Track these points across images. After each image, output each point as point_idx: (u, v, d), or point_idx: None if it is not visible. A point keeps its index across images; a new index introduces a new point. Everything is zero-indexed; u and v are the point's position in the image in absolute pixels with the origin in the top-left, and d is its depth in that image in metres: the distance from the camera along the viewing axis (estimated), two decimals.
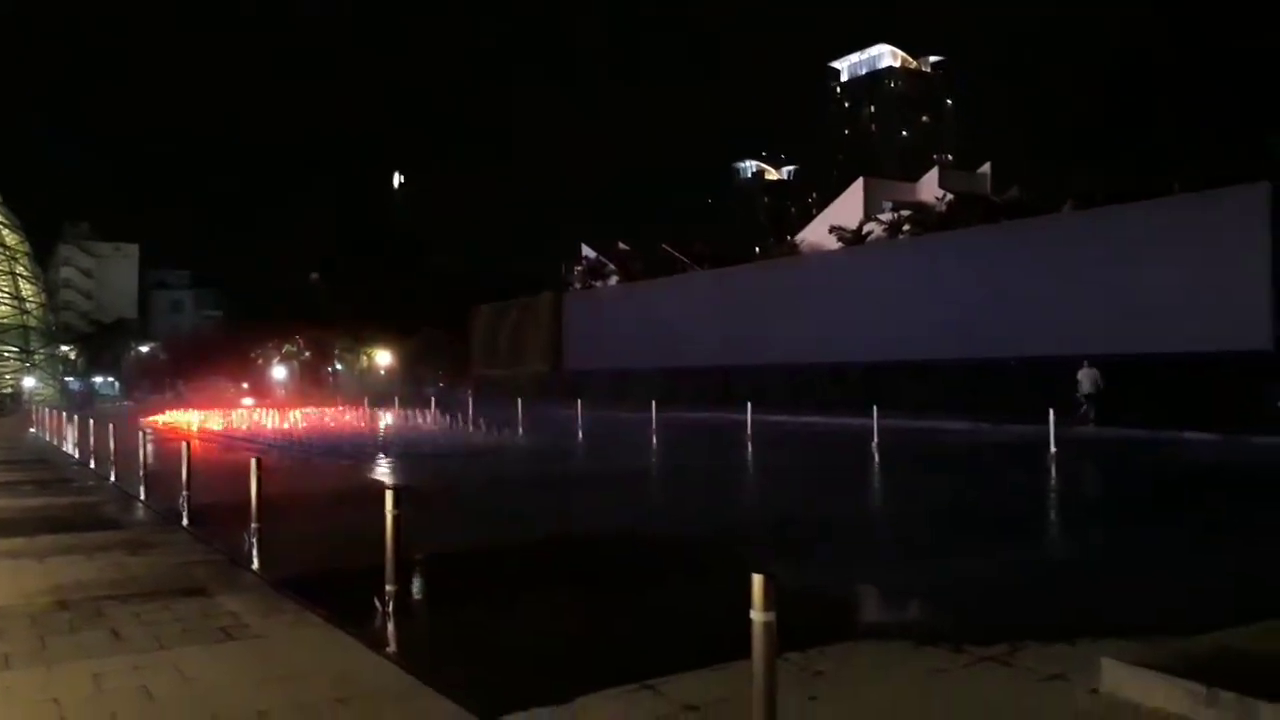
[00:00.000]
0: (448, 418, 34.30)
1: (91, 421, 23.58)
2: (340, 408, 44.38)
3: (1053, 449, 19.91)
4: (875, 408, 22.66)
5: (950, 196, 45.66)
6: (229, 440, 30.59)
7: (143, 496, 14.94)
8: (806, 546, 11.19)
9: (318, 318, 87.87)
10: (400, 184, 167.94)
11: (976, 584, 8.95)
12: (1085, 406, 26.38)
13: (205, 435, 32.68)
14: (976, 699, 5.31)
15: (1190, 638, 5.78)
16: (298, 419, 36.86)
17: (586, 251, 68.05)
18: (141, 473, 15.95)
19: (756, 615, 4.21)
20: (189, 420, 40.30)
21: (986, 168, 54.23)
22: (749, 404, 28.45)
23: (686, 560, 10.29)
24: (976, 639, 6.34)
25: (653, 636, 7.25)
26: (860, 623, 7.95)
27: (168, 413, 48.89)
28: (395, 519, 7.68)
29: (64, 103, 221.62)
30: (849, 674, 5.81)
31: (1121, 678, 5.14)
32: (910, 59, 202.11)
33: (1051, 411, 20.39)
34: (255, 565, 9.61)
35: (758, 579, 4.23)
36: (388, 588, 7.60)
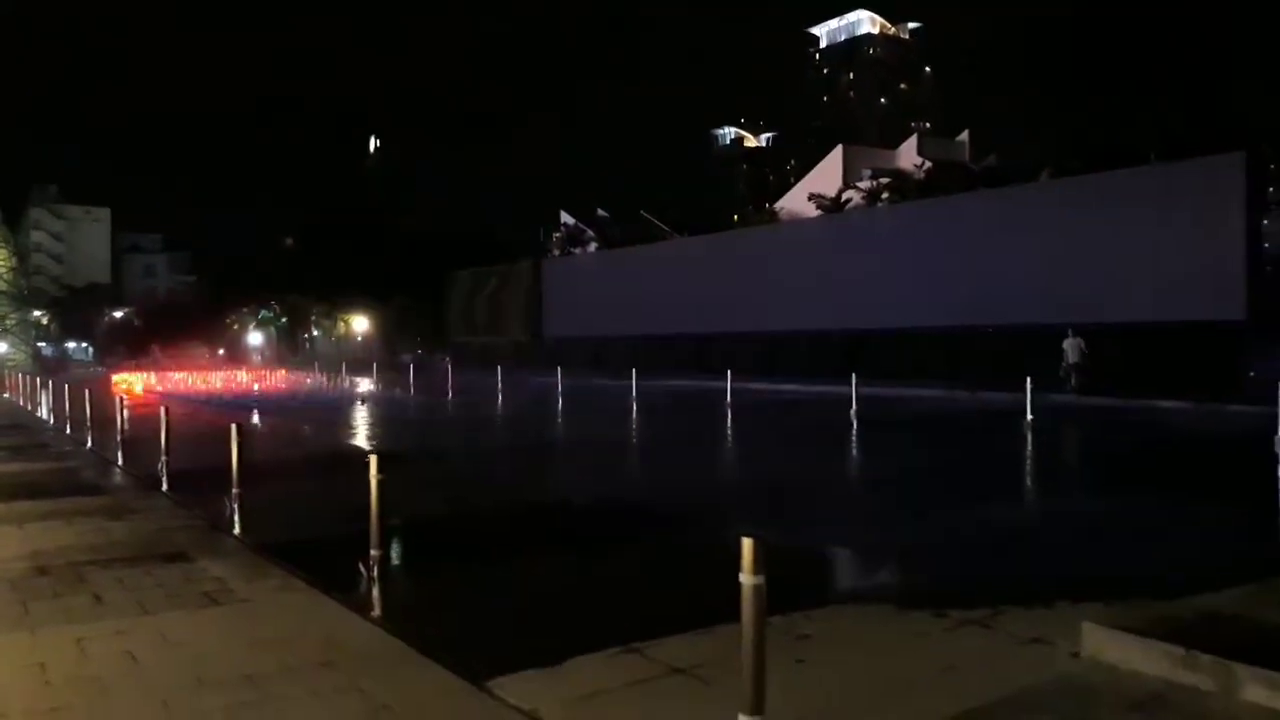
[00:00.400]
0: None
1: (66, 387, 23.35)
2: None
3: (1029, 416, 20.08)
4: (854, 375, 22.73)
5: (929, 164, 45.65)
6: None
7: (120, 462, 14.84)
8: (788, 510, 11.27)
9: (294, 283, 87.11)
10: (377, 148, 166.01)
11: (954, 548, 9.05)
12: (1071, 375, 26.49)
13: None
14: (959, 662, 5.38)
15: (1170, 601, 5.87)
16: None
17: (565, 218, 67.68)
18: (119, 438, 15.82)
19: (746, 579, 4.23)
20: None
21: (965, 135, 54.21)
22: (728, 372, 28.49)
23: (668, 525, 10.34)
24: (957, 603, 6.42)
25: (638, 600, 7.30)
26: (842, 586, 8.04)
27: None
28: (380, 484, 7.65)
29: (64, 101, 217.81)
30: (834, 637, 5.88)
31: (1101, 641, 5.21)
32: (889, 25, 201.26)
33: (1029, 380, 20.53)
34: (237, 530, 9.58)
35: (747, 542, 4.25)
36: (372, 552, 7.59)
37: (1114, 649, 5.12)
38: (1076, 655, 5.27)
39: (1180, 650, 4.80)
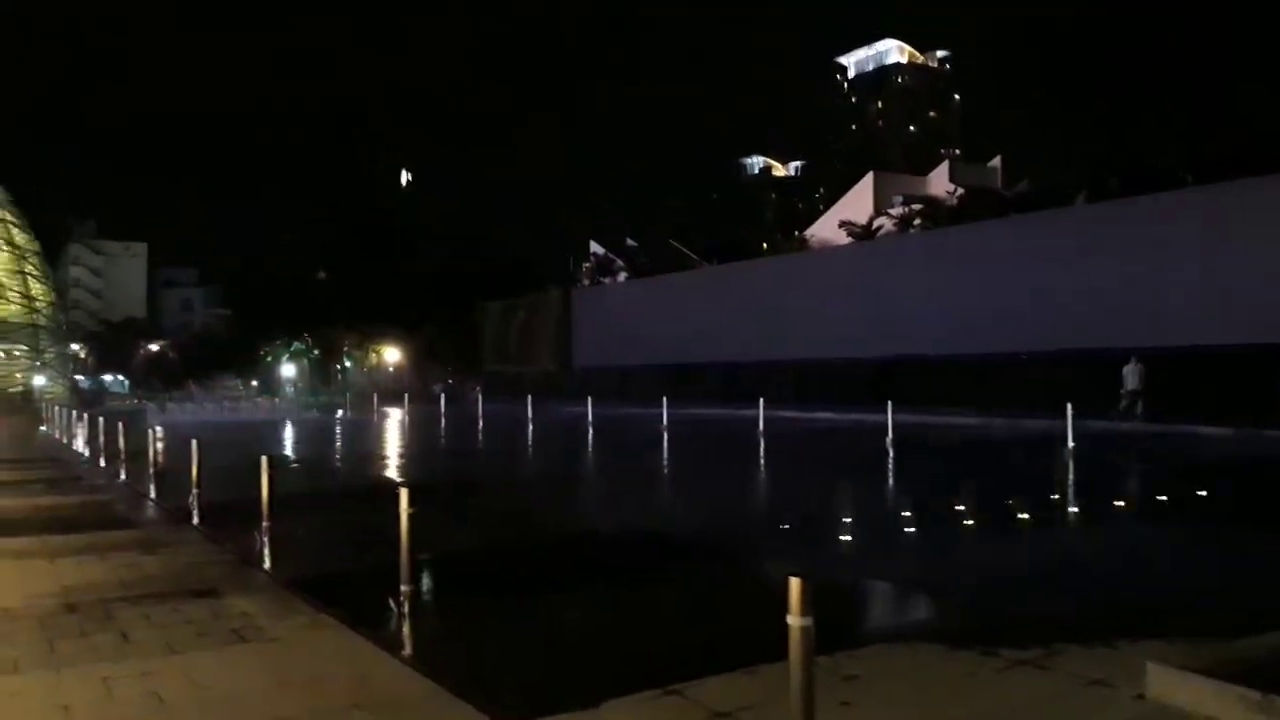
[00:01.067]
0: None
1: (101, 420, 23.47)
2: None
3: (1070, 443, 19.66)
4: (889, 403, 22.42)
5: (961, 190, 45.35)
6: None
7: (153, 495, 14.81)
8: (825, 542, 11.00)
9: (325, 315, 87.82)
10: (408, 181, 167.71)
11: (999, 582, 8.76)
12: (1130, 401, 25.89)
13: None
14: (1016, 705, 5.12)
15: (1238, 640, 5.57)
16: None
17: (595, 248, 67.86)
18: (151, 471, 15.81)
19: (794, 620, 4.03)
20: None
21: (997, 161, 53.89)
22: (760, 400, 28.21)
23: (704, 558, 10.11)
24: (1008, 641, 6.15)
25: (675, 637, 7.08)
26: (886, 623, 7.78)
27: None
28: (410, 518, 7.51)
29: (64, 101, 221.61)
30: (881, 679, 5.62)
31: (1168, 683, 4.94)
32: (917, 54, 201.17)
33: (1069, 406, 20.11)
34: (267, 564, 9.46)
35: (795, 582, 4.05)
36: (403, 588, 7.44)
37: (1183, 692, 4.84)
38: (1141, 698, 5.00)
39: (1256, 694, 4.52)
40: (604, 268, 64.03)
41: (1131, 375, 26.08)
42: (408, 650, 6.56)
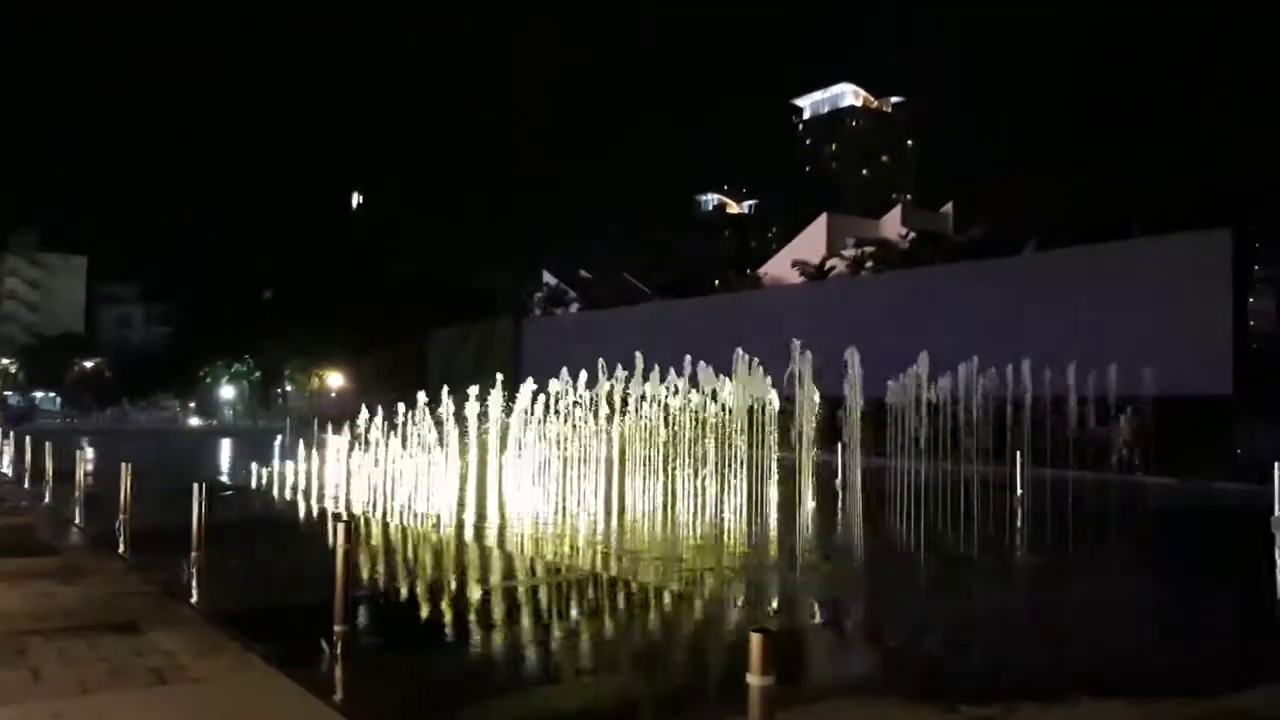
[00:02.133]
0: None
1: (28, 439, 22.63)
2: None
3: (1019, 490, 19.71)
4: (840, 445, 22.34)
5: (913, 234, 45.91)
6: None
7: (77, 520, 14.19)
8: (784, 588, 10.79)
9: (269, 336, 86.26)
10: (359, 203, 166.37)
11: (946, 635, 8.60)
12: (1125, 452, 25.33)
13: None
14: None
15: (1198, 699, 5.44)
16: None
17: (547, 278, 67.63)
18: (77, 494, 15.18)
19: (754, 679, 3.80)
20: None
21: (949, 207, 54.71)
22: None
23: (647, 593, 9.83)
24: (969, 698, 5.96)
25: (619, 682, 6.79)
26: (837, 675, 7.54)
27: None
28: (345, 554, 7.16)
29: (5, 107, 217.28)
30: None
31: None
32: (872, 98, 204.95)
33: (1019, 454, 20.19)
34: (193, 598, 9.00)
35: (756, 638, 3.82)
36: (335, 628, 7.07)
37: None
38: None
39: None
40: (556, 298, 63.78)
41: (1127, 427, 25.44)
42: (339, 695, 6.20)
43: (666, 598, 9.75)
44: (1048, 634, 8.67)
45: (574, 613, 9.12)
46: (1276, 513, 14.97)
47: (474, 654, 7.67)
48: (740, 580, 10.92)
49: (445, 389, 23.86)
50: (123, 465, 12.74)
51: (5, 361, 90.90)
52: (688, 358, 19.06)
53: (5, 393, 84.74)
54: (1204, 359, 25.35)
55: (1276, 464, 15.23)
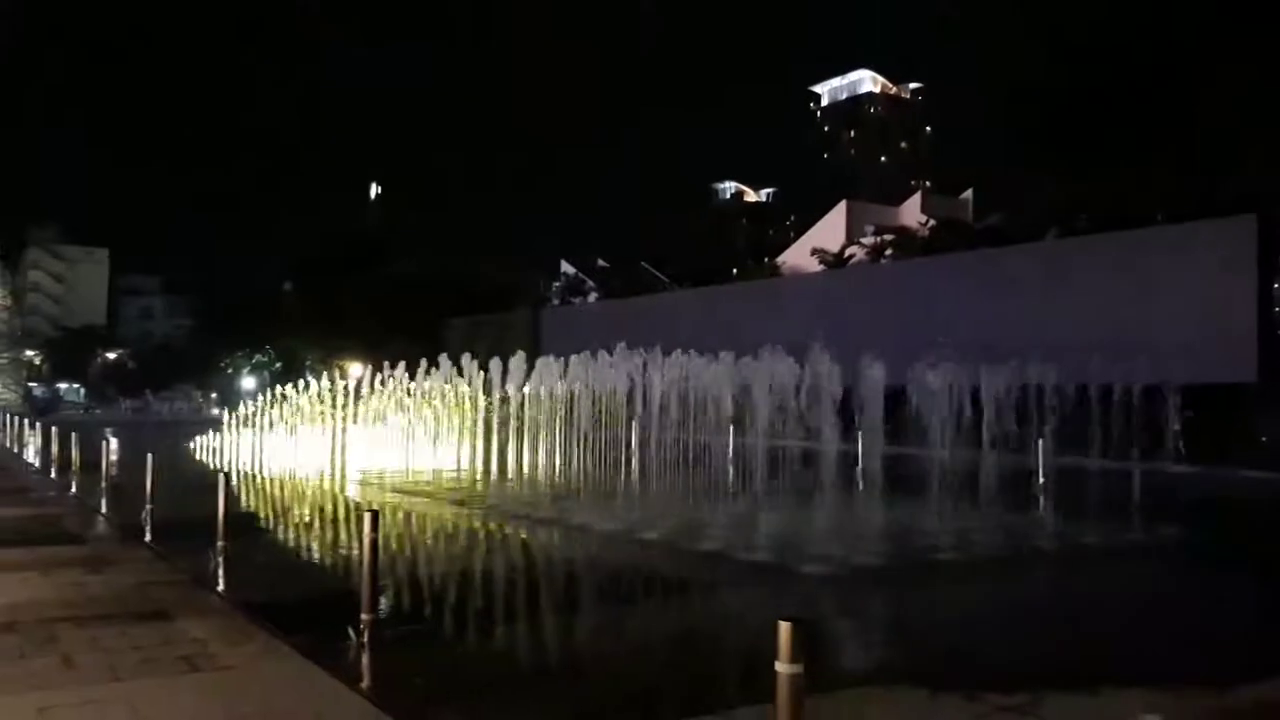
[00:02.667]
0: None
1: (54, 429, 22.86)
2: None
3: (1040, 479, 19.56)
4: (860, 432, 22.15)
5: (932, 222, 45.66)
6: None
7: (104, 509, 14.34)
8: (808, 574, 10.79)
9: (288, 328, 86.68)
10: (377, 194, 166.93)
11: (972, 620, 8.59)
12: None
13: None
14: None
15: (1225, 689, 5.41)
16: None
17: (565, 267, 67.67)
18: (104, 484, 15.33)
19: (783, 667, 3.80)
20: None
21: (969, 194, 54.37)
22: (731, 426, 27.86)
23: (677, 584, 9.86)
24: (990, 686, 5.95)
25: (648, 671, 6.82)
26: (859, 664, 7.54)
27: None
28: (372, 544, 7.21)
29: (26, 101, 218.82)
30: None
31: None
32: (890, 85, 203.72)
33: (1040, 440, 20.03)
34: (221, 586, 9.08)
35: (785, 626, 3.82)
36: (363, 616, 7.12)
37: None
38: None
39: None
40: (574, 288, 63.80)
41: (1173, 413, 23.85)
42: (366, 682, 6.25)
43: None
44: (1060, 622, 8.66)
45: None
46: None
47: (504, 636, 7.72)
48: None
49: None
50: (148, 455, 12.86)
51: (30, 354, 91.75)
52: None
53: (30, 384, 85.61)
54: (1229, 346, 25.11)
55: None
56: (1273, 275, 26.19)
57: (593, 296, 60.70)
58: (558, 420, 19.66)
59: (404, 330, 77.50)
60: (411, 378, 25.51)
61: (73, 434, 20.36)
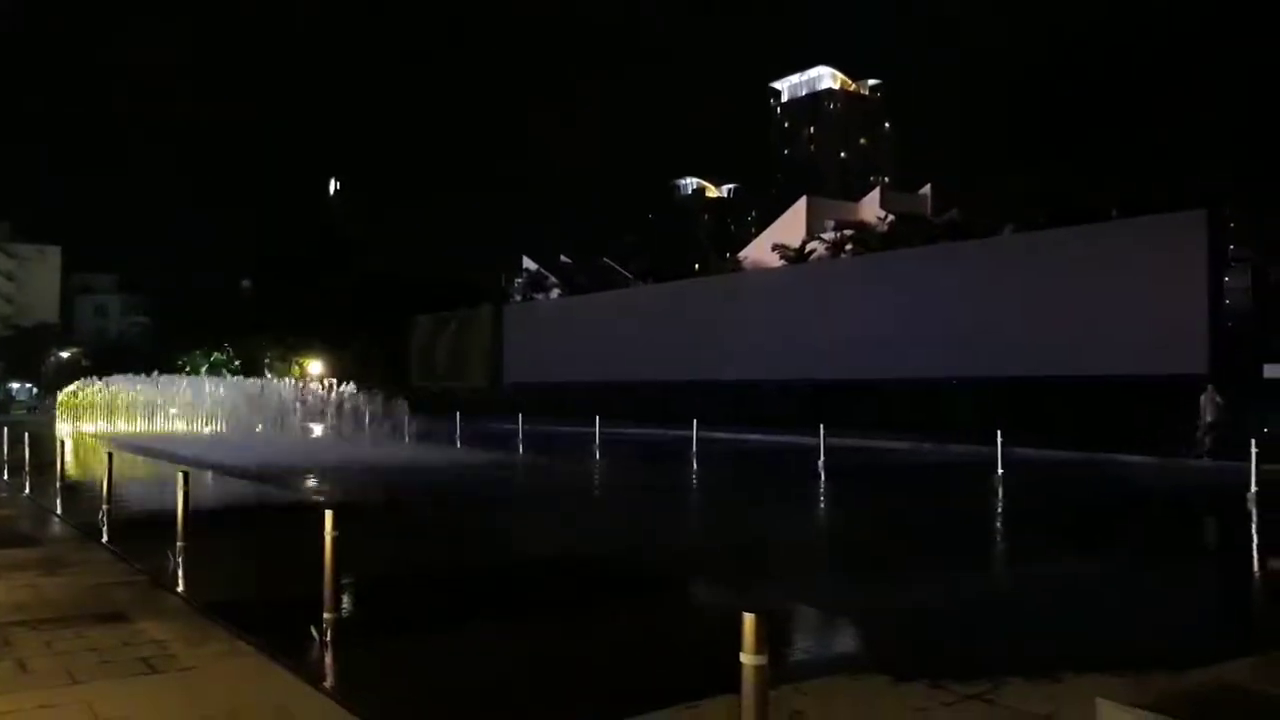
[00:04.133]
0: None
1: (4, 429, 22.41)
2: None
3: (999, 470, 19.83)
4: (821, 426, 22.37)
5: (891, 217, 46.05)
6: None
7: (59, 510, 14.09)
8: (768, 570, 10.86)
9: (248, 325, 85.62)
10: (336, 190, 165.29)
11: (940, 612, 8.69)
12: (1207, 435, 23.43)
13: None
14: None
15: (1184, 673, 5.52)
16: None
17: (528, 263, 67.48)
18: (58, 485, 15.07)
19: (747, 658, 3.84)
20: None
21: (927, 189, 54.91)
22: (694, 421, 28.03)
23: (641, 586, 9.88)
24: (954, 674, 6.03)
25: (614, 669, 6.83)
26: (831, 653, 7.61)
27: None
28: (334, 541, 7.15)
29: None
30: (829, 713, 5.45)
31: (1118, 719, 4.84)
32: (850, 81, 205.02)
33: (999, 434, 20.29)
34: (180, 587, 8.96)
35: (749, 618, 3.85)
36: (325, 615, 7.07)
37: None
38: None
39: None
40: (537, 284, 63.63)
41: (1208, 406, 23.65)
42: (330, 681, 6.21)
43: None
44: (1025, 612, 8.79)
45: None
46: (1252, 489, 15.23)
47: (466, 635, 7.71)
48: None
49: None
50: (106, 454, 12.66)
51: None
52: None
53: None
54: (1180, 339, 25.59)
55: (1253, 441, 15.50)
56: (1222, 269, 26.72)
57: (555, 293, 60.57)
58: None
59: (367, 328, 76.90)
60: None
61: (26, 435, 19.99)
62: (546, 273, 64.06)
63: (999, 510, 16.60)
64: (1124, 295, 27.12)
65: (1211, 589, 10.44)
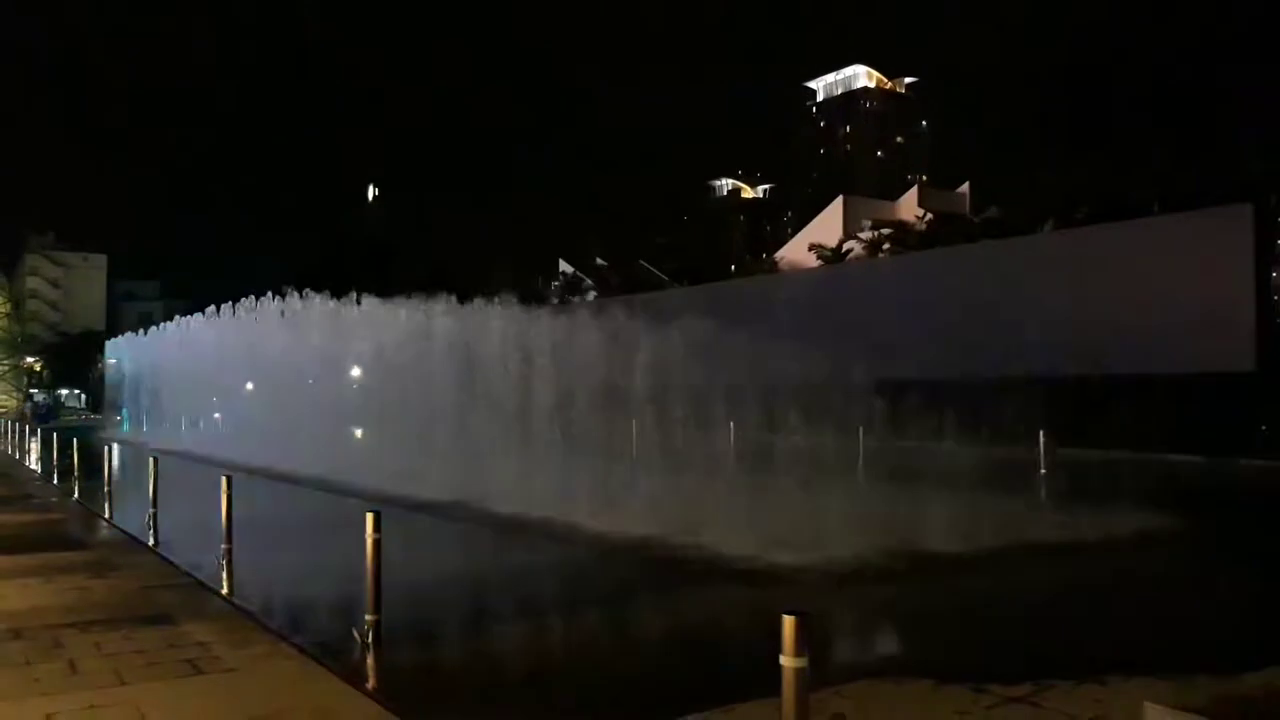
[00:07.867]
0: None
1: (55, 436, 22.89)
2: None
3: (1042, 470, 19.55)
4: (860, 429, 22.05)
5: (930, 216, 45.62)
6: None
7: (107, 514, 14.34)
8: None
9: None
10: (374, 197, 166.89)
11: (972, 617, 8.60)
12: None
13: None
14: None
15: (1232, 678, 5.42)
16: None
17: (564, 266, 67.61)
18: (106, 489, 15.33)
19: (787, 661, 3.81)
20: None
21: (965, 187, 54.33)
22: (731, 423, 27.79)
23: (679, 582, 9.86)
24: (995, 677, 5.96)
25: (650, 669, 6.83)
26: (869, 657, 7.55)
27: None
28: (375, 544, 7.21)
29: (22, 108, 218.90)
30: (870, 717, 5.41)
31: None
32: (885, 80, 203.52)
33: (1042, 433, 20.00)
34: (225, 590, 9.08)
35: (789, 620, 3.83)
36: (367, 618, 7.13)
37: None
38: None
39: None
40: (572, 287, 63.73)
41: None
42: (372, 683, 6.26)
43: None
44: (1064, 617, 8.66)
45: None
46: None
47: (508, 635, 7.73)
48: None
49: None
50: (150, 459, 12.86)
51: (30, 360, 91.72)
52: None
53: (32, 390, 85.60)
54: (1226, 336, 25.09)
55: None
56: (1269, 264, 26.19)
57: (591, 295, 60.62)
58: None
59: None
60: None
61: (74, 441, 20.37)
62: (582, 275, 64.14)
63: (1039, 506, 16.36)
64: (1168, 291, 26.56)
65: None
